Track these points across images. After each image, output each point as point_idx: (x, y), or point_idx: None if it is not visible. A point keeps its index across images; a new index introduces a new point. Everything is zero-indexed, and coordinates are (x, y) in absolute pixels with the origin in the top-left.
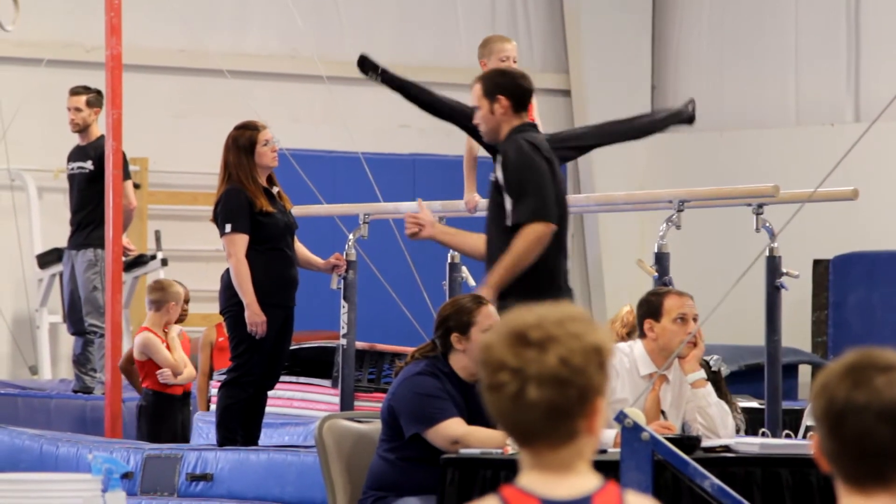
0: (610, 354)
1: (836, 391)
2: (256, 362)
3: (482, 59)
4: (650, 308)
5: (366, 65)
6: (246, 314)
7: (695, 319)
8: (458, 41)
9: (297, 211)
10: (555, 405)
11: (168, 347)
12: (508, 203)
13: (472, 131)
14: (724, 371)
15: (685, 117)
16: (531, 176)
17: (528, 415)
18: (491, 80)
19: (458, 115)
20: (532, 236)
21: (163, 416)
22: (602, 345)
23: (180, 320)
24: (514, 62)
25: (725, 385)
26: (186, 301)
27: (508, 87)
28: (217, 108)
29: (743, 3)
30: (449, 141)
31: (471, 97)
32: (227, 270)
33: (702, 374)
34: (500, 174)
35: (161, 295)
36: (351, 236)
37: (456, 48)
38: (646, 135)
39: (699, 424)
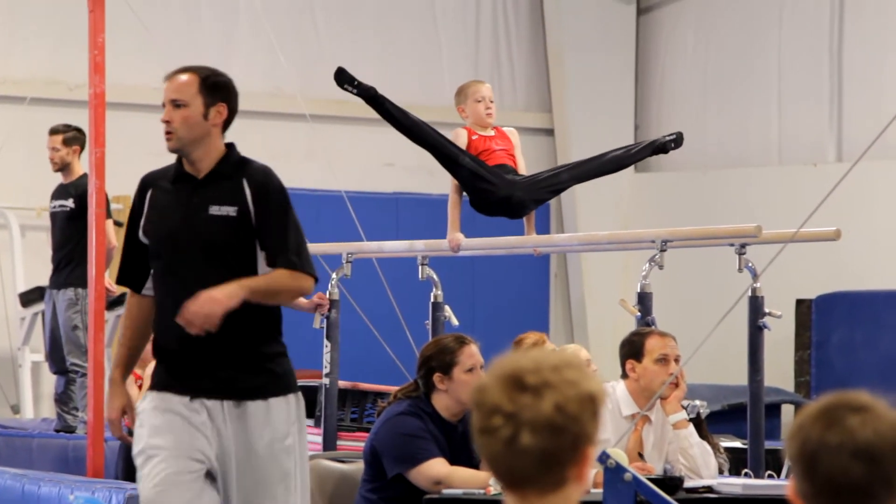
0: (603, 403)
1: (810, 432)
2: None
3: (459, 105)
4: (632, 348)
5: (342, 77)
6: None
7: (676, 360)
8: (441, 80)
9: None
10: (548, 452)
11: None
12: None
13: (443, 158)
14: (704, 412)
15: (658, 144)
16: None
17: (521, 460)
18: (216, 80)
19: (429, 140)
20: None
21: None
22: (597, 393)
23: None
24: (491, 102)
25: (706, 427)
26: None
27: (233, 98)
28: None
29: (726, 43)
30: (432, 179)
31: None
32: None
33: (683, 414)
34: (254, 204)
35: None
36: (334, 275)
37: (439, 87)
38: (620, 167)
39: (681, 465)
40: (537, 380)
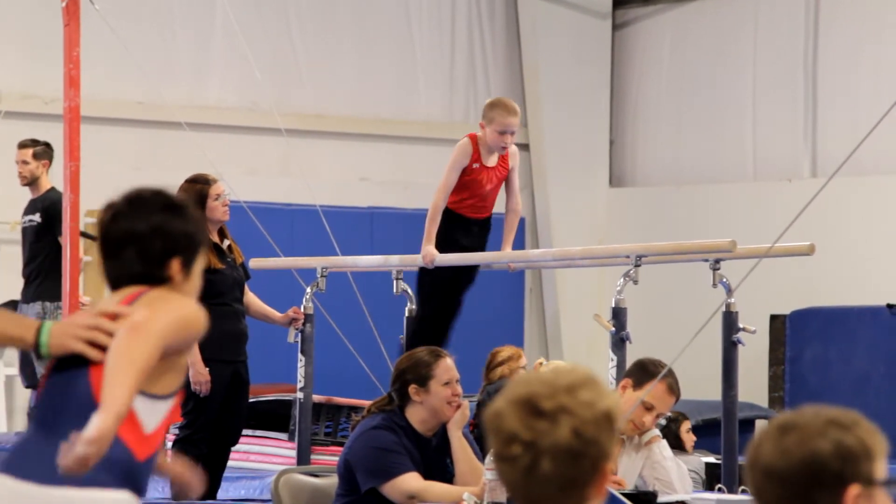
0: (619, 417)
1: (748, 447)
2: (205, 419)
3: (483, 119)
4: (640, 373)
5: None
6: (190, 372)
7: (658, 416)
8: (417, 94)
9: (254, 264)
10: (568, 477)
11: None
12: None
13: None
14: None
15: None
16: None
17: (541, 487)
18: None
19: None
20: None
21: None
22: (612, 410)
23: None
24: (512, 135)
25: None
26: None
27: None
28: (175, 160)
29: (701, 59)
30: (407, 194)
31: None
32: None
33: (655, 431)
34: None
35: None
36: (308, 289)
37: (415, 102)
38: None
39: (655, 479)
40: (553, 405)
